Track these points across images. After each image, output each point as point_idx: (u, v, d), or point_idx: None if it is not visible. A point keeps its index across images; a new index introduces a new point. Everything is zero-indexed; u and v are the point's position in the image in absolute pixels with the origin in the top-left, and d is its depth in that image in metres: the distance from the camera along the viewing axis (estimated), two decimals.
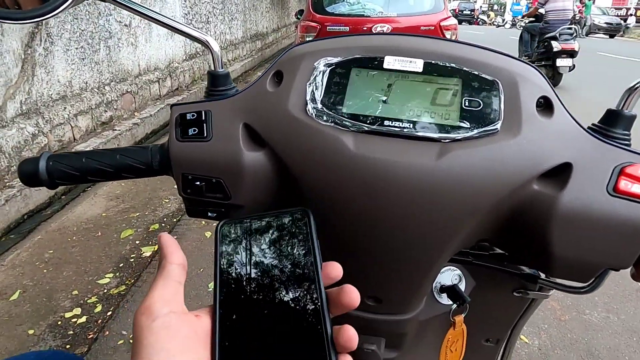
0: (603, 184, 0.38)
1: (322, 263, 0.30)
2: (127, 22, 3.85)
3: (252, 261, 0.31)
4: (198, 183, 0.44)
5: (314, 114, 0.41)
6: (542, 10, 6.57)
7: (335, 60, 0.43)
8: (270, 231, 0.32)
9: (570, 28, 6.08)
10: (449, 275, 0.56)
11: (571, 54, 5.90)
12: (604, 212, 0.37)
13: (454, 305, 0.55)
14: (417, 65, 0.42)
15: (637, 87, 0.41)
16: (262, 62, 8.42)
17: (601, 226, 0.38)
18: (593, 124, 0.43)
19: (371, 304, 0.48)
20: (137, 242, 2.31)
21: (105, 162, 0.46)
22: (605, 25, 18.37)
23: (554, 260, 0.40)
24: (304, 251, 0.31)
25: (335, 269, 0.31)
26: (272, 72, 0.46)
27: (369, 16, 4.62)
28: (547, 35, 6.18)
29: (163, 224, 2.49)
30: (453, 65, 0.42)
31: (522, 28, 7.45)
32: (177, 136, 0.45)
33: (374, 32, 4.39)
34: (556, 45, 5.89)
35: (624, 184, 0.37)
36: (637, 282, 0.42)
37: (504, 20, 28.28)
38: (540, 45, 6.42)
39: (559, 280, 0.50)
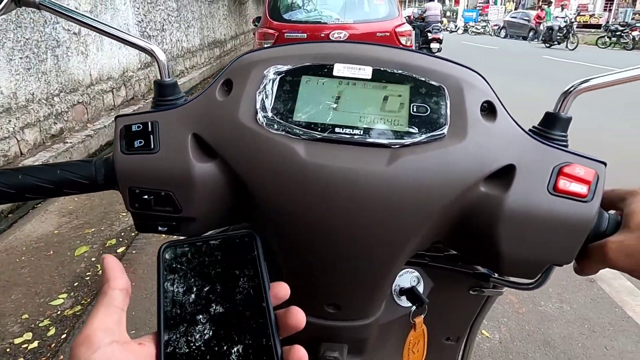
0: (544, 184, 0.40)
1: (269, 284, 0.30)
2: (76, 30, 3.70)
3: (197, 285, 0.30)
4: (146, 197, 0.42)
5: (264, 123, 0.41)
6: (425, 15, 10.90)
7: (285, 68, 0.43)
8: (216, 254, 0.31)
9: (437, 25, 10.30)
10: (407, 277, 0.57)
11: (439, 40, 10.21)
12: (545, 210, 0.39)
13: (414, 307, 0.55)
14: (366, 72, 0.43)
15: (571, 91, 0.43)
16: (220, 70, 8.28)
17: (544, 224, 0.39)
18: (533, 127, 0.45)
19: (331, 311, 0.48)
20: (93, 259, 2.21)
21: (44, 178, 0.43)
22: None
23: (502, 259, 0.42)
24: (250, 273, 0.30)
25: (282, 289, 0.30)
26: (221, 81, 0.45)
27: (325, 23, 4.67)
28: (426, 29, 10.43)
29: (121, 239, 2.40)
30: (401, 72, 0.43)
31: (414, 25, 10.91)
32: (122, 149, 0.43)
33: (331, 38, 4.44)
34: (430, 35, 10.18)
35: (563, 183, 0.39)
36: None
37: (456, 26, 29.42)
38: (423, 35, 10.66)
39: (509, 278, 0.52)
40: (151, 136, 0.42)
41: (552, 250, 0.40)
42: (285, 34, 4.55)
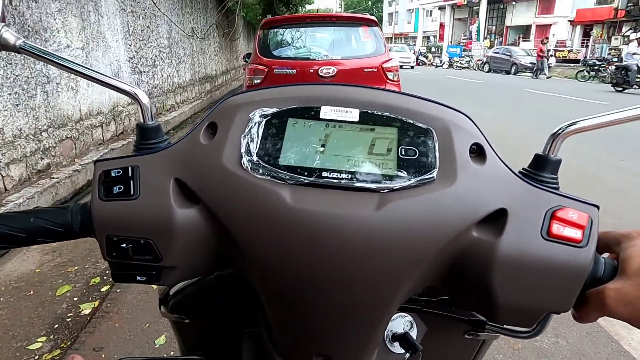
0: (537, 229, 0.39)
1: None
2: None
3: None
4: (124, 245, 0.40)
5: (249, 167, 0.40)
6: None
7: (270, 110, 0.43)
8: None
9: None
10: (401, 322, 0.54)
11: None
12: (540, 256, 0.38)
13: (407, 355, 0.53)
14: (353, 114, 0.42)
15: (560, 133, 0.43)
16: (211, 104, 8.40)
17: (539, 271, 0.38)
18: (523, 169, 0.44)
19: None
20: (75, 298, 2.13)
21: (16, 226, 0.41)
22: (530, 65, 20.20)
23: (496, 307, 0.40)
24: None
25: None
26: (205, 124, 0.44)
27: (314, 59, 4.78)
28: None
29: (105, 277, 2.32)
30: (388, 114, 0.42)
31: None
32: (101, 195, 0.41)
33: (320, 74, 4.53)
34: None
35: (557, 228, 0.38)
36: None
37: (441, 61, 30.39)
38: None
39: (505, 325, 0.50)
40: (131, 182, 0.41)
41: (548, 297, 0.39)
42: (275, 70, 4.63)
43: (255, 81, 4.61)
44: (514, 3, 31.82)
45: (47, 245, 2.66)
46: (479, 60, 25.68)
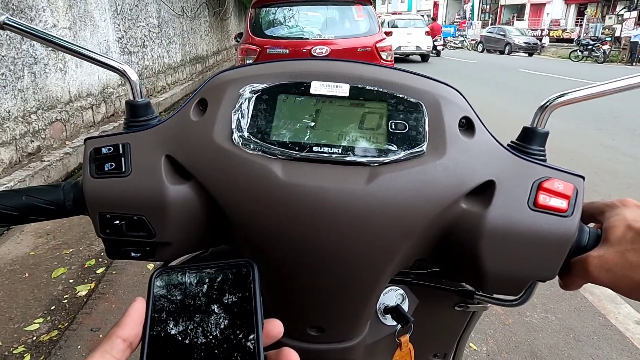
0: (524, 199, 0.39)
1: (263, 321, 0.28)
2: None
3: (186, 316, 0.28)
4: (118, 222, 0.41)
5: (240, 143, 0.40)
6: None
7: (261, 86, 0.43)
8: (210, 284, 0.30)
9: None
10: (392, 295, 0.56)
11: None
12: (526, 226, 0.39)
13: (399, 326, 0.54)
14: (344, 89, 0.42)
15: (547, 106, 0.43)
16: None
17: (525, 240, 0.39)
18: (511, 142, 0.45)
19: (314, 334, 0.47)
20: (71, 281, 2.14)
21: (8, 204, 0.41)
22: (524, 44, 20.05)
23: (485, 277, 0.41)
24: (244, 308, 0.28)
25: (276, 327, 0.29)
26: (196, 101, 0.44)
27: (307, 39, 4.71)
28: None
29: (100, 259, 2.33)
30: (378, 89, 0.42)
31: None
32: (92, 172, 0.41)
33: (313, 53, 4.48)
34: None
35: (543, 198, 0.39)
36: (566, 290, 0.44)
37: (435, 40, 30.04)
38: None
39: (493, 294, 0.51)
40: (122, 159, 0.41)
41: (534, 266, 0.40)
42: (268, 50, 4.57)
43: (248, 61, 4.55)
44: None
45: (41, 228, 2.66)
46: (473, 40, 25.47)
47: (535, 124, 0.44)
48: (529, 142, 0.44)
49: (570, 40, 22.95)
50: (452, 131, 0.41)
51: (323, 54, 4.50)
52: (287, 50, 4.58)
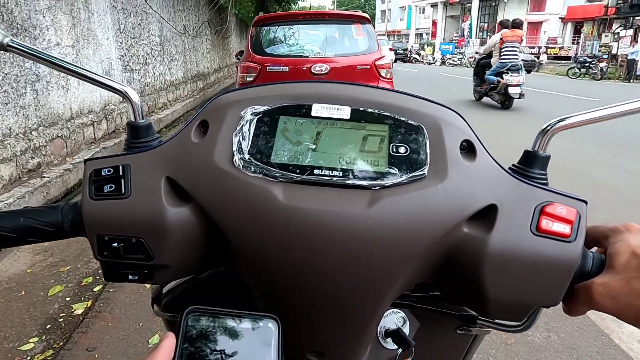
0: (527, 224, 0.39)
1: None
2: None
3: (211, 357, 0.31)
4: (116, 244, 0.40)
5: (241, 165, 0.40)
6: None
7: (262, 108, 0.43)
8: (238, 331, 0.33)
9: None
10: (393, 318, 0.55)
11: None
12: (529, 251, 0.38)
13: (400, 350, 0.53)
14: (345, 112, 0.42)
15: (548, 130, 0.43)
16: (204, 102, 8.36)
17: (528, 266, 0.39)
18: (513, 165, 0.45)
19: (314, 359, 0.46)
20: (68, 299, 2.11)
21: (5, 226, 0.40)
22: (521, 62, 20.29)
23: (487, 302, 0.40)
24: (266, 357, 0.32)
25: None
26: (197, 122, 0.44)
27: (307, 57, 4.76)
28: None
29: (97, 277, 2.31)
30: (379, 111, 0.43)
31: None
32: (91, 194, 0.41)
33: (313, 71, 4.52)
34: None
35: (545, 223, 0.39)
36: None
37: (434, 58, 30.44)
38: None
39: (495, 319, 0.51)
40: (122, 180, 0.41)
41: (537, 291, 0.39)
42: (268, 68, 4.62)
43: (248, 79, 4.59)
44: (505, 0, 31.96)
45: (38, 246, 2.64)
46: (472, 57, 25.78)
47: (536, 147, 0.44)
48: (530, 166, 0.43)
49: (567, 58, 23.24)
50: (453, 154, 0.41)
51: (323, 72, 4.54)
52: (287, 68, 4.62)
